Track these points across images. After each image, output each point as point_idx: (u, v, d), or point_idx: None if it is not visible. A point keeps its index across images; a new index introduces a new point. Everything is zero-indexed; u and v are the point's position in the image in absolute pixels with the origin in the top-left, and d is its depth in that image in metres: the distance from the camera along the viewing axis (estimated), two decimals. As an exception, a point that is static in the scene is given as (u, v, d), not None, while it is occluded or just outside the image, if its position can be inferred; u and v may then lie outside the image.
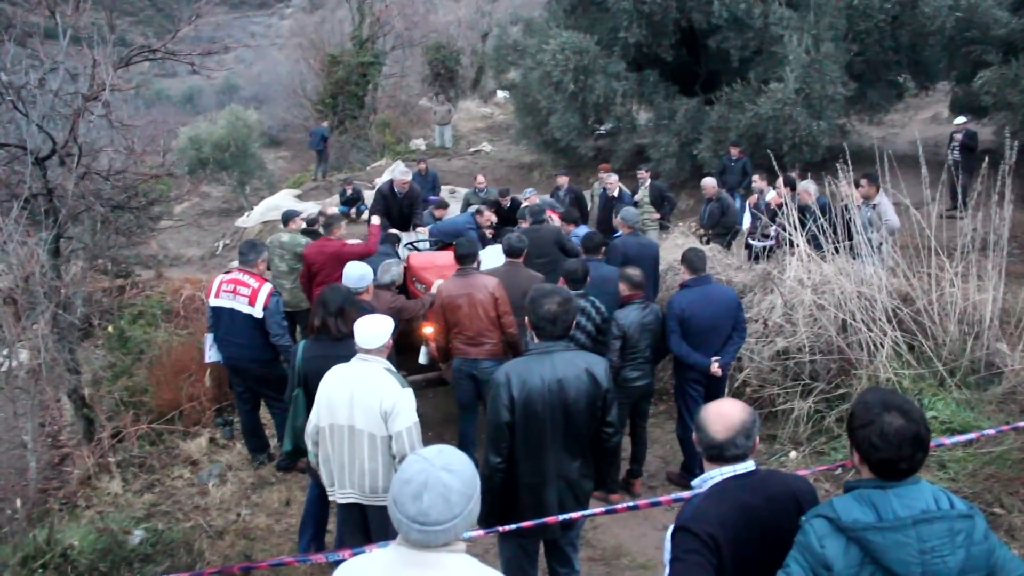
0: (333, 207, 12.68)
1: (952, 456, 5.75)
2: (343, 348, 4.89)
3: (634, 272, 6.37)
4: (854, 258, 7.58)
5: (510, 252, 7.07)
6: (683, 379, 6.44)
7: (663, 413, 7.86)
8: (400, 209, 10.76)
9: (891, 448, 2.36)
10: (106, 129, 9.59)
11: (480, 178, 14.38)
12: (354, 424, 4.34)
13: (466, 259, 6.63)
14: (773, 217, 8.84)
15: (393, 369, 4.47)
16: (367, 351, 4.43)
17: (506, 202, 11.90)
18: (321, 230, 8.56)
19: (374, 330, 4.45)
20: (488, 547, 4.36)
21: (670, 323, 6.23)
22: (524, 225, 8.99)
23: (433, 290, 7.43)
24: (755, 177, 11.58)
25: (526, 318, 4.14)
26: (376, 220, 9.17)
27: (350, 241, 8.87)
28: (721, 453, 2.73)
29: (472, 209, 10.40)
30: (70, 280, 8.43)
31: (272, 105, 35.00)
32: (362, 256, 8.09)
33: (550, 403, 3.90)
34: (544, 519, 3.95)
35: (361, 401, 4.31)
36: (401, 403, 4.27)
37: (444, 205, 11.51)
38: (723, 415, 2.77)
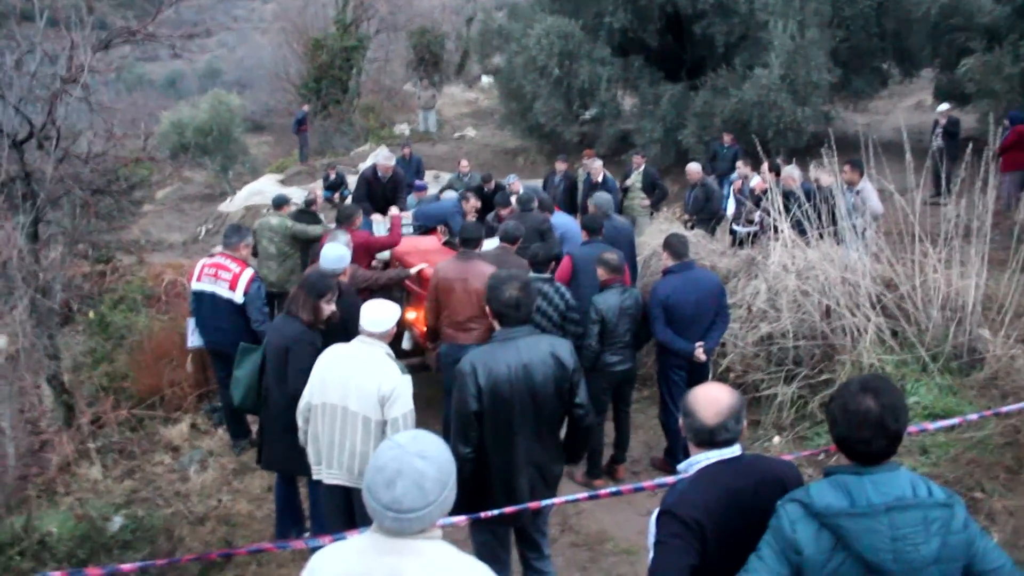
0: (317, 191, 12.56)
1: (934, 441, 5.77)
2: (284, 323, 5.19)
3: (611, 256, 6.35)
4: (838, 244, 7.58)
5: (506, 238, 7.05)
6: (666, 365, 6.42)
7: (646, 399, 7.85)
8: (384, 193, 10.69)
9: (850, 427, 2.34)
10: (85, 112, 9.50)
11: (464, 163, 14.34)
12: (348, 405, 4.32)
13: (469, 243, 6.57)
14: (757, 203, 8.83)
15: (393, 355, 4.45)
16: (370, 334, 4.41)
17: (490, 187, 11.83)
18: (340, 222, 8.34)
19: (379, 314, 4.45)
20: (467, 535, 4.35)
21: (654, 310, 6.21)
22: (504, 212, 8.96)
23: (412, 270, 7.43)
24: (739, 163, 11.57)
25: (486, 307, 4.11)
26: (395, 211, 9.09)
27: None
28: (712, 438, 2.70)
29: (453, 195, 10.34)
30: (49, 265, 8.37)
31: (255, 90, 34.70)
32: (388, 248, 8.09)
33: (517, 389, 3.87)
34: (526, 504, 3.93)
35: (358, 383, 4.29)
36: (400, 389, 4.27)
37: (479, 191, 11.40)
38: (713, 399, 2.74)
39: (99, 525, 5.60)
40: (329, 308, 5.20)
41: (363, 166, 16.40)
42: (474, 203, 9.84)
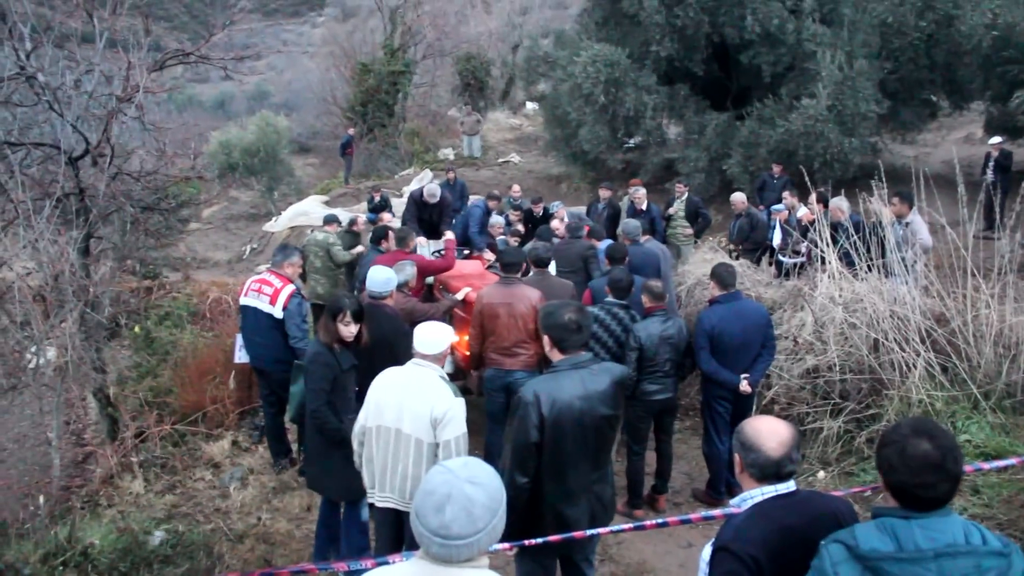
0: (361, 214, 12.72)
1: (986, 481, 5.61)
2: (312, 342, 5.40)
3: (655, 284, 6.35)
4: (887, 276, 7.46)
5: (537, 263, 7.09)
6: (711, 396, 6.36)
7: (688, 429, 7.77)
8: (430, 217, 10.86)
9: (909, 472, 2.23)
10: (138, 131, 9.70)
11: (516, 188, 14.40)
12: (401, 428, 4.29)
13: (511, 268, 6.55)
14: (805, 233, 8.74)
15: (447, 377, 4.42)
16: (424, 356, 4.38)
17: (538, 210, 11.92)
18: (394, 244, 8.40)
19: (433, 336, 4.41)
20: (510, 559, 4.30)
21: (699, 339, 6.16)
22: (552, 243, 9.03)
23: (458, 296, 7.41)
24: (785, 193, 11.47)
25: (544, 335, 4.05)
26: (450, 235, 9.17)
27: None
28: (779, 470, 2.64)
29: (473, 202, 10.66)
30: (99, 280, 8.49)
31: (302, 112, 35.24)
32: (442, 271, 8.14)
33: (579, 420, 3.82)
34: (571, 533, 3.88)
35: (411, 406, 4.26)
36: (453, 412, 4.20)
37: (528, 214, 11.90)
38: (774, 431, 2.67)
39: (140, 539, 5.62)
40: (347, 329, 5.14)
41: (407, 189, 16.50)
42: (496, 203, 10.18)
